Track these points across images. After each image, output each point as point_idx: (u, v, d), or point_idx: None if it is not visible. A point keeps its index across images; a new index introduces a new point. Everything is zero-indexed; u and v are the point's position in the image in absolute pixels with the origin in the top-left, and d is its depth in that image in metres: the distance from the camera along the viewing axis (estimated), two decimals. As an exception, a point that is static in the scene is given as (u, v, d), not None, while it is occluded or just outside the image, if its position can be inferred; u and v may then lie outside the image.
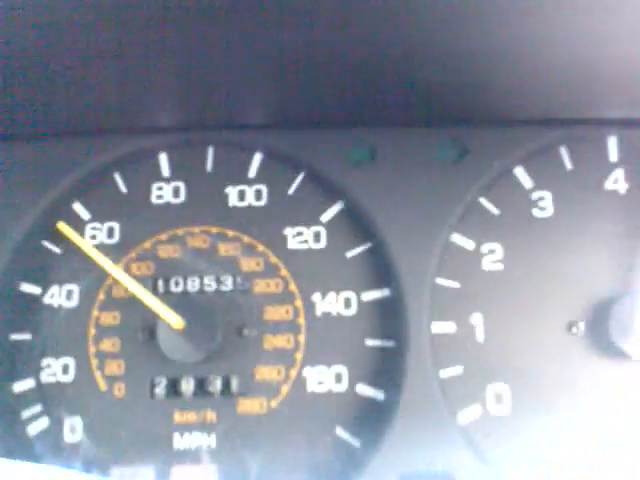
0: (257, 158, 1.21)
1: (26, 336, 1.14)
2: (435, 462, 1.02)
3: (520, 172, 1.18)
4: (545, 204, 1.16)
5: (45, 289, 1.16)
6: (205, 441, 1.09)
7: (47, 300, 1.16)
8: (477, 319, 1.11)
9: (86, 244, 1.16)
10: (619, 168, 1.17)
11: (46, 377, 1.12)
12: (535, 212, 1.16)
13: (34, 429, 1.10)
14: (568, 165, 1.18)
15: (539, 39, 0.96)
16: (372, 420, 1.07)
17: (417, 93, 1.10)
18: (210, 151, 1.22)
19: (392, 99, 1.12)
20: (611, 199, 1.15)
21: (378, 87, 1.09)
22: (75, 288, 1.16)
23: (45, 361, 1.13)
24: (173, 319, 1.09)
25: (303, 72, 1.06)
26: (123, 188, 1.21)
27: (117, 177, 1.21)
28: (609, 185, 1.17)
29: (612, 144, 1.19)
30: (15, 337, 1.14)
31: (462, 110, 1.15)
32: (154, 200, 1.20)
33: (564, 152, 1.19)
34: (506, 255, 1.14)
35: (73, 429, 1.10)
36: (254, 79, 1.08)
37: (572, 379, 1.08)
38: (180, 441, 1.09)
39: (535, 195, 1.17)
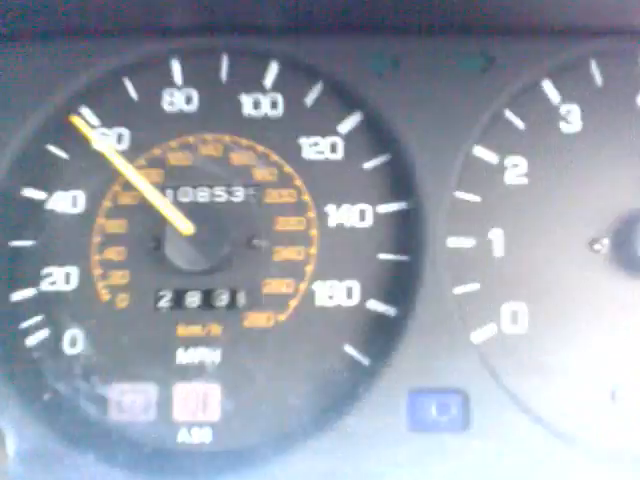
0: (274, 66, 1.17)
1: (28, 243, 1.11)
2: (446, 378, 0.99)
3: (548, 85, 1.13)
4: (573, 118, 1.12)
5: (50, 194, 1.12)
6: (209, 355, 1.05)
7: (51, 205, 1.12)
8: (497, 234, 1.07)
9: (98, 143, 1.12)
10: (651, 83, 1.12)
11: (47, 285, 1.09)
12: (562, 126, 1.11)
13: (33, 339, 1.07)
14: (598, 80, 1.13)
15: None
16: (382, 336, 1.03)
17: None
18: (225, 58, 1.17)
19: (418, 3, 1.07)
20: None
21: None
22: (80, 194, 1.12)
23: (47, 269, 1.09)
24: (183, 224, 1.05)
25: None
26: (133, 94, 1.17)
27: (127, 82, 1.17)
28: (640, 101, 1.11)
29: (644, 58, 1.13)
30: (16, 244, 1.10)
31: (488, 17, 1.10)
32: (165, 107, 1.16)
33: (594, 66, 1.13)
34: (530, 169, 1.09)
35: (73, 340, 1.06)
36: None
37: (592, 297, 1.04)
38: (184, 355, 1.05)
39: (563, 109, 1.12)
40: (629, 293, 1.04)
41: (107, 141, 1.14)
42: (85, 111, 1.16)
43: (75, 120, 1.12)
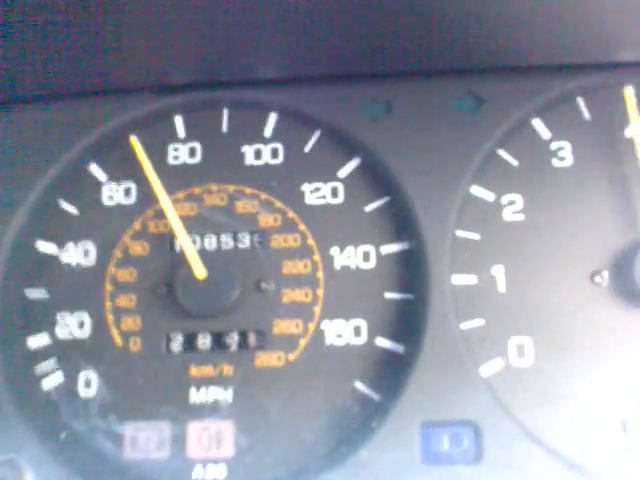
0: (272, 117, 1.21)
1: (42, 292, 1.14)
2: (458, 411, 1.01)
3: (538, 123, 1.17)
4: (564, 154, 1.15)
5: (61, 247, 1.16)
6: (221, 395, 1.07)
7: (63, 258, 1.16)
8: (498, 271, 1.10)
9: (149, 172, 1.16)
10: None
11: (61, 332, 1.12)
12: (554, 162, 1.15)
13: (49, 383, 1.10)
14: (586, 115, 1.17)
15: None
16: (392, 373, 1.05)
17: (432, 41, 1.10)
18: (225, 111, 1.22)
19: (407, 48, 1.12)
20: (631, 147, 1.13)
21: (392, 34, 1.08)
22: (91, 246, 1.16)
23: (60, 316, 1.12)
24: (198, 269, 1.08)
25: (315, 23, 1.05)
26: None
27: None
28: (629, 133, 1.15)
29: (629, 92, 1.16)
30: (30, 293, 1.14)
31: (476, 59, 1.15)
32: (170, 160, 1.20)
33: (581, 102, 1.17)
34: (526, 205, 1.13)
35: (87, 383, 1.09)
36: (267, 31, 1.08)
37: (596, 329, 1.06)
38: (196, 395, 1.07)
39: (554, 145, 1.16)
40: (631, 324, 1.06)
41: (114, 199, 1.18)
42: (93, 167, 1.20)
43: (133, 141, 1.18)
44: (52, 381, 1.09)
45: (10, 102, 1.21)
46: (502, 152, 1.15)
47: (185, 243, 1.10)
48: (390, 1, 1.00)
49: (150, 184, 1.16)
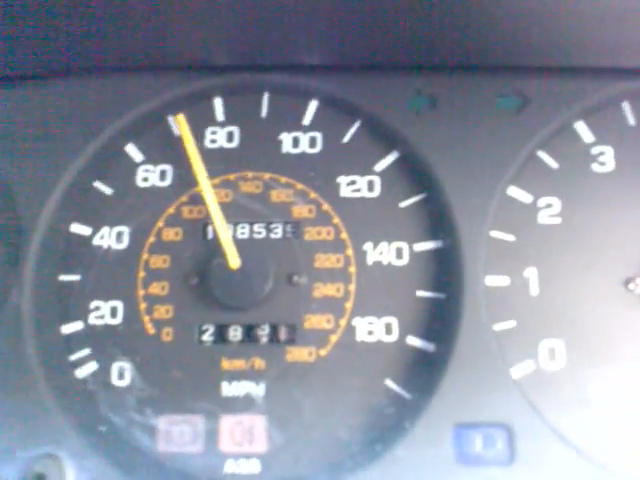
0: (313, 105, 1.20)
1: (75, 277, 1.14)
2: (490, 413, 1.00)
3: (581, 126, 1.16)
4: (605, 159, 1.14)
5: (95, 230, 1.15)
6: (254, 389, 1.07)
7: (97, 241, 1.15)
8: (531, 273, 1.09)
9: (192, 149, 1.14)
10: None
11: (94, 319, 1.11)
12: (595, 167, 1.13)
13: (83, 372, 1.10)
14: (631, 120, 1.15)
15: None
16: (423, 372, 1.05)
17: (482, 37, 1.08)
18: (266, 96, 1.21)
19: (456, 42, 1.10)
20: None
21: (441, 29, 1.07)
22: (125, 230, 1.15)
23: (94, 303, 1.12)
24: (233, 257, 1.07)
25: (364, 11, 1.03)
26: (176, 131, 1.20)
27: (170, 120, 1.20)
28: (673, 141, 1.13)
29: (677, 99, 1.15)
30: (64, 278, 1.13)
31: (523, 57, 1.13)
32: (207, 144, 1.19)
33: (627, 107, 1.15)
34: (564, 209, 1.11)
35: (121, 373, 1.09)
36: (313, 17, 1.07)
37: (628, 335, 1.06)
38: (228, 388, 1.07)
39: (595, 150, 1.14)
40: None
41: (149, 181, 1.17)
42: (130, 147, 1.19)
43: (180, 120, 1.16)
44: (86, 370, 1.09)
45: (46, 76, 1.20)
46: (542, 154, 1.14)
47: (222, 230, 1.09)
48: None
49: (188, 167, 1.15)
